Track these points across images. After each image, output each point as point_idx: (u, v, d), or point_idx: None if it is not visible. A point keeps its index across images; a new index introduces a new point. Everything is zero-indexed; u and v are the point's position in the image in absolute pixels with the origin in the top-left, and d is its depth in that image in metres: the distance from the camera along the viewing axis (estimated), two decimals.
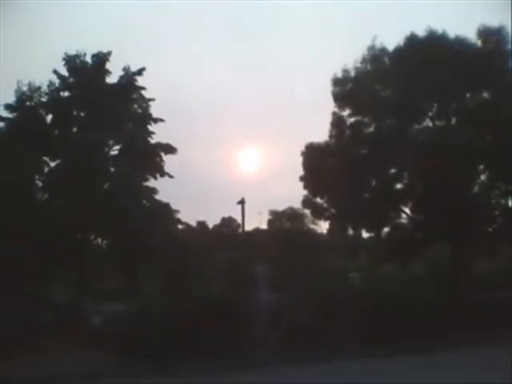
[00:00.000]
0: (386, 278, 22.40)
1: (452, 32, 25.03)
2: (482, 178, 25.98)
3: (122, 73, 25.84)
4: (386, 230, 27.32)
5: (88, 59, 25.51)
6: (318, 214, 28.63)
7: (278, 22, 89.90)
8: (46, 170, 25.15)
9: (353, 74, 26.14)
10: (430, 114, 25.90)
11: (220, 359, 15.37)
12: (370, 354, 15.86)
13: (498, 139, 23.52)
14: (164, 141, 26.51)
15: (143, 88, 26.19)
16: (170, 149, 26.33)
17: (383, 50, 25.84)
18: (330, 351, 16.23)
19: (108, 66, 25.73)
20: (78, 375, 14.58)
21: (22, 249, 21.24)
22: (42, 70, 27.23)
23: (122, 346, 16.38)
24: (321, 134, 27.31)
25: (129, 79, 25.85)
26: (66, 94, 25.68)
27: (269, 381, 13.76)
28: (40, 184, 25.15)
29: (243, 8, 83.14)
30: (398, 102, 24.11)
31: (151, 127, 26.42)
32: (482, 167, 25.63)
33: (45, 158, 24.94)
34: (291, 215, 36.02)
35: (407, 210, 26.90)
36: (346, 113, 26.59)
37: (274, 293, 20.24)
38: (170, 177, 26.48)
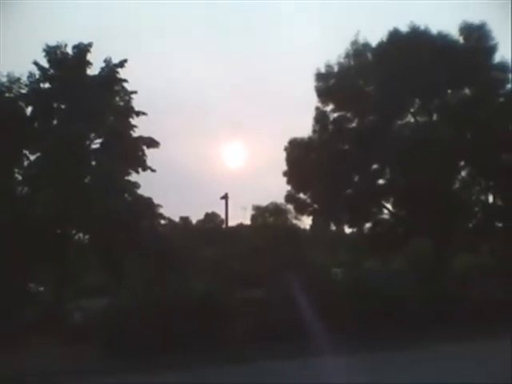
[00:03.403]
0: (368, 273, 22.51)
1: (434, 28, 25.28)
2: (463, 174, 26.34)
3: (103, 64, 25.44)
4: (368, 225, 27.59)
5: (69, 50, 25.03)
6: (301, 209, 28.76)
7: (262, 16, 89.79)
8: (25, 163, 24.64)
9: (336, 69, 26.27)
10: (411, 109, 26.15)
11: (205, 355, 15.29)
12: (355, 349, 15.88)
13: (479, 136, 23.81)
14: (146, 134, 26.22)
15: (125, 80, 25.77)
16: (152, 143, 26.00)
17: (366, 46, 25.98)
18: (313, 346, 16.26)
19: (89, 57, 25.25)
20: (58, 372, 14.37)
21: (1, 244, 20.86)
22: (22, 61, 26.59)
23: (103, 343, 16.21)
24: (304, 129, 27.41)
25: (110, 71, 25.40)
26: (47, 85, 25.15)
27: (253, 376, 13.74)
28: (19, 177, 24.66)
29: (227, 2, 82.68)
30: (381, 98, 24.29)
31: (133, 120, 26.04)
32: (462, 163, 25.93)
33: (24, 151, 24.42)
34: (274, 210, 36.05)
35: (389, 206, 27.18)
36: (329, 108, 26.80)
37: (259, 288, 20.26)
38: (153, 171, 26.20)
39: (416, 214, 25.70)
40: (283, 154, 27.43)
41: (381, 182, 26.87)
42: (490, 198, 26.51)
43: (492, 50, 24.83)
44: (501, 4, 25.81)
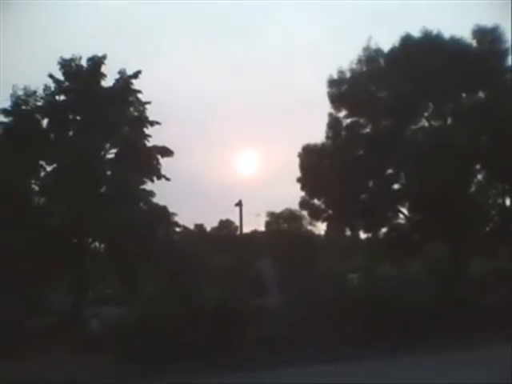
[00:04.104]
0: (383, 279, 22.38)
1: (447, 32, 25.16)
2: (479, 177, 26.09)
3: (117, 76, 25.81)
4: (383, 230, 27.37)
5: (83, 63, 25.47)
6: (316, 215, 28.66)
7: (275, 22, 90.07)
8: (42, 174, 25.09)
9: (348, 75, 26.20)
10: (425, 114, 25.98)
11: (219, 361, 15.37)
12: (370, 355, 15.87)
13: (494, 139, 23.59)
14: (160, 143, 26.52)
15: (139, 91, 26.15)
16: (166, 151, 26.32)
17: (378, 51, 25.90)
18: (329, 352, 16.23)
19: (103, 69, 25.68)
20: (75, 379, 14.56)
21: (19, 253, 21.19)
22: (38, 74, 27.16)
23: (120, 350, 16.36)
24: (317, 135, 27.38)
25: (125, 82, 25.81)
26: (62, 97, 25.63)
27: (268, 382, 13.78)
28: (36, 188, 25.08)
29: (238, 9, 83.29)
30: (394, 103, 24.22)
31: (147, 130, 26.41)
32: (478, 167, 25.70)
33: (41, 162, 24.88)
34: (289, 217, 35.99)
35: (405, 211, 26.97)
36: (342, 114, 26.69)
37: (273, 294, 20.26)
38: (167, 179, 26.48)
39: (432, 219, 25.51)
40: (297, 161, 27.43)
41: (396, 186, 26.69)
42: (507, 202, 26.25)
43: (505, 52, 24.62)
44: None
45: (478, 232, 25.87)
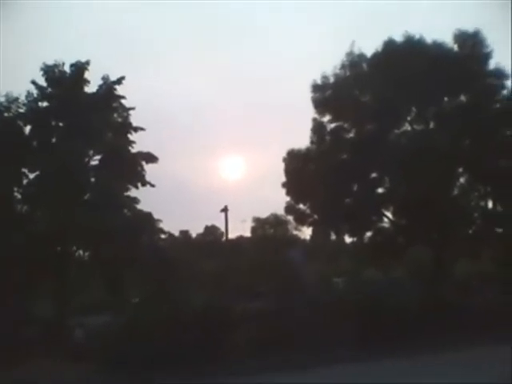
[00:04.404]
0: (368, 282, 22.48)
1: (429, 37, 25.43)
2: (461, 180, 26.33)
3: (101, 82, 25.67)
4: (368, 234, 27.48)
5: (66, 69, 25.29)
6: (301, 219, 28.73)
7: (258, 29, 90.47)
8: (24, 181, 24.81)
9: (332, 80, 26.35)
10: (408, 118, 26.19)
11: (206, 367, 15.33)
12: (356, 358, 15.93)
13: (476, 142, 23.89)
14: (145, 150, 26.39)
15: (123, 97, 26.00)
16: (151, 158, 26.18)
17: (361, 56, 26.10)
18: (315, 356, 16.25)
19: (87, 75, 25.50)
20: None
21: (1, 262, 20.92)
22: (20, 80, 26.94)
23: (105, 358, 16.23)
24: (302, 140, 27.47)
25: (108, 88, 25.65)
26: (45, 104, 25.39)
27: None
28: (19, 196, 24.80)
29: (223, 15, 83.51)
30: (378, 107, 24.41)
31: (132, 136, 26.23)
32: (460, 170, 25.97)
33: (23, 170, 24.60)
34: (274, 222, 36.05)
35: (389, 214, 27.13)
36: (326, 119, 26.80)
37: (259, 299, 20.27)
38: (152, 186, 26.33)
39: (416, 222, 25.68)
40: (282, 166, 27.49)
41: (380, 190, 26.84)
42: (490, 204, 26.50)
43: (487, 56, 24.95)
44: (497, 10, 25.97)
45: (461, 234, 26.08)
